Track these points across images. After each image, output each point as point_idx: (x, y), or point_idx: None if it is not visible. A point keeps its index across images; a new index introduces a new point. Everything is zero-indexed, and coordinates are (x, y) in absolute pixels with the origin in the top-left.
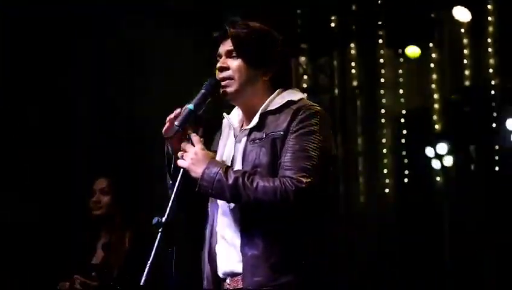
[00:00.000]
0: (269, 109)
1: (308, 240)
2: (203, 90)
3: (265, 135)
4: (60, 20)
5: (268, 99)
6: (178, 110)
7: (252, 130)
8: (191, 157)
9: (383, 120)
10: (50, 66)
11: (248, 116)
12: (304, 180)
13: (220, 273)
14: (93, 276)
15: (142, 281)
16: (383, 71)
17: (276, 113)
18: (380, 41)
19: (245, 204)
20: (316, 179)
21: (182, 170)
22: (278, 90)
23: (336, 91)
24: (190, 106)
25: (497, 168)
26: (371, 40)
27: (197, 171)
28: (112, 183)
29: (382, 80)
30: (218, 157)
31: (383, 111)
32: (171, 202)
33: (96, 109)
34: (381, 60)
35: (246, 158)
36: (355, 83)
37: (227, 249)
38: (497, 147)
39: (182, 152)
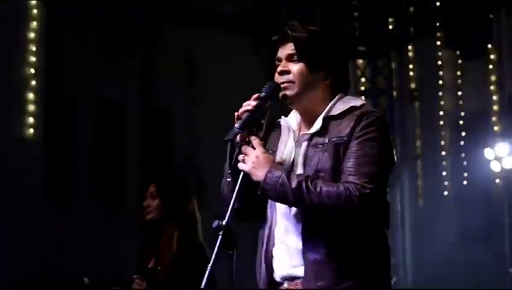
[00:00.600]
0: (331, 114)
1: (370, 245)
2: (263, 94)
3: (328, 140)
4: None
5: (330, 104)
6: (256, 95)
7: (313, 135)
8: (253, 160)
9: (441, 122)
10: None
11: (307, 121)
12: (368, 185)
13: (277, 277)
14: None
15: (203, 284)
16: (441, 73)
17: (338, 119)
18: (438, 42)
19: (308, 208)
20: (379, 185)
21: (242, 173)
22: (339, 95)
23: (394, 93)
24: None
25: None
26: (429, 41)
27: (258, 174)
28: (159, 187)
29: (440, 82)
30: (277, 159)
31: (441, 113)
32: (231, 205)
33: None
34: (439, 62)
35: (307, 162)
36: (413, 85)
37: (287, 253)
38: None
39: (243, 155)
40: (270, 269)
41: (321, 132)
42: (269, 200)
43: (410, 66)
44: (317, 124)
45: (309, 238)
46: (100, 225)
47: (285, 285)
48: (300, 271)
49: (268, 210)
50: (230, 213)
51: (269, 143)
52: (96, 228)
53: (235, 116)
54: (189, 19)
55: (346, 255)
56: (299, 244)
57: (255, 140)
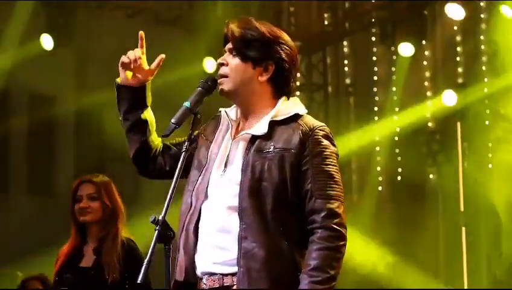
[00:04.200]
0: (276, 119)
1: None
2: (199, 88)
3: (273, 148)
4: None
5: (276, 108)
6: (131, 52)
7: (256, 137)
8: None
9: (376, 118)
10: None
11: (246, 116)
12: (338, 211)
13: (198, 271)
14: (68, 277)
15: (140, 279)
16: (375, 68)
17: (282, 125)
18: (373, 38)
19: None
20: (342, 201)
21: (177, 172)
22: (282, 98)
23: (330, 88)
24: (186, 103)
25: None
26: (364, 37)
27: None
28: (99, 189)
29: (375, 77)
30: (213, 151)
31: (375, 108)
32: (167, 200)
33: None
34: (374, 58)
35: (248, 168)
36: (348, 80)
37: (210, 249)
38: None
39: None
40: (188, 259)
41: (265, 137)
42: (195, 187)
43: (345, 62)
44: (262, 127)
45: (245, 243)
46: (32, 217)
47: (204, 280)
48: (220, 269)
49: (193, 197)
50: (166, 208)
51: (207, 131)
52: (28, 220)
53: (120, 63)
54: None
55: (282, 265)
56: (226, 242)
57: None
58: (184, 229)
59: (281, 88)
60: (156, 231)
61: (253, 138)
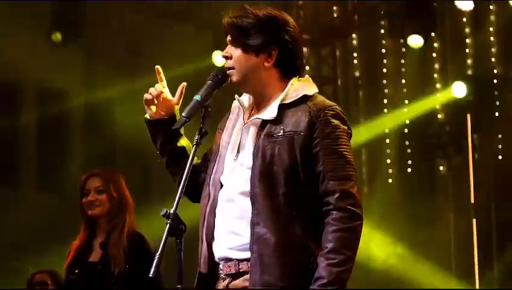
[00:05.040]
0: (285, 102)
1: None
2: (209, 81)
3: (283, 132)
4: None
5: (284, 91)
6: (152, 89)
7: (266, 122)
8: None
9: (385, 110)
10: None
11: (258, 103)
12: (352, 191)
13: (216, 257)
14: (77, 273)
15: (152, 272)
16: (385, 61)
17: (291, 108)
18: (382, 31)
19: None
20: (356, 180)
21: (188, 163)
22: (292, 80)
23: (339, 81)
24: (197, 97)
25: None
26: (373, 30)
27: None
28: (106, 182)
29: (384, 70)
30: (225, 139)
31: (385, 101)
32: (178, 193)
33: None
34: (383, 50)
35: (259, 153)
36: (357, 73)
37: (226, 235)
38: None
39: None
40: (210, 248)
41: (275, 121)
42: (211, 177)
43: (355, 54)
44: (272, 111)
45: (257, 229)
46: (42, 212)
47: (221, 266)
48: (236, 255)
49: (211, 188)
50: (178, 201)
51: (221, 122)
52: (38, 215)
53: (144, 101)
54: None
55: (294, 250)
56: (240, 228)
57: None
58: (205, 220)
59: (288, 70)
60: (168, 225)
61: (264, 123)
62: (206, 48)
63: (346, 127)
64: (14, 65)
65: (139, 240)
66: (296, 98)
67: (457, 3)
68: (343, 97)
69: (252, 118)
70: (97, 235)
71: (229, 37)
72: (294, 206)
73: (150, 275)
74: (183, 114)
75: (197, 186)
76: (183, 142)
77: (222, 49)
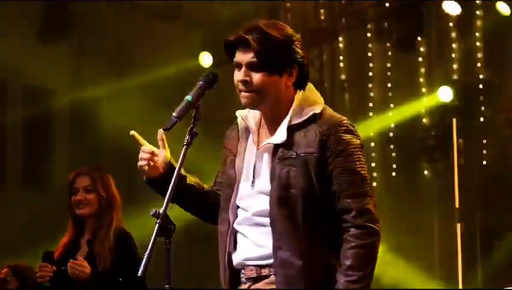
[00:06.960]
0: (294, 122)
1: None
2: (201, 82)
3: (296, 154)
4: None
5: (291, 110)
6: (142, 154)
7: (277, 146)
8: None
9: (371, 113)
10: None
11: (269, 122)
12: (368, 207)
13: (236, 265)
14: (63, 270)
15: (140, 271)
16: (371, 65)
17: (301, 128)
18: (369, 34)
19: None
20: (371, 196)
21: (179, 163)
22: (296, 95)
23: (325, 84)
24: (188, 97)
25: None
26: (360, 33)
27: None
28: (95, 181)
29: (370, 74)
30: (238, 164)
31: (370, 104)
32: (168, 193)
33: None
34: (370, 54)
35: (275, 177)
36: (343, 77)
37: (247, 245)
38: None
39: None
40: (231, 274)
41: (287, 144)
42: (230, 203)
43: (341, 58)
44: (281, 135)
45: (280, 253)
46: (27, 209)
47: (242, 271)
48: (256, 262)
49: (230, 214)
50: (167, 201)
51: (228, 141)
52: (23, 213)
53: (139, 167)
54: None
55: (318, 271)
56: (262, 241)
57: None
58: (226, 244)
59: (301, 85)
60: (157, 225)
61: (276, 147)
62: (195, 47)
63: (358, 141)
64: (1, 64)
65: (125, 238)
66: (305, 118)
67: (444, 7)
68: (329, 100)
69: (263, 143)
70: (84, 233)
71: (250, 59)
72: (315, 226)
73: (138, 275)
74: (173, 114)
75: (211, 208)
76: (190, 180)
77: (210, 50)
